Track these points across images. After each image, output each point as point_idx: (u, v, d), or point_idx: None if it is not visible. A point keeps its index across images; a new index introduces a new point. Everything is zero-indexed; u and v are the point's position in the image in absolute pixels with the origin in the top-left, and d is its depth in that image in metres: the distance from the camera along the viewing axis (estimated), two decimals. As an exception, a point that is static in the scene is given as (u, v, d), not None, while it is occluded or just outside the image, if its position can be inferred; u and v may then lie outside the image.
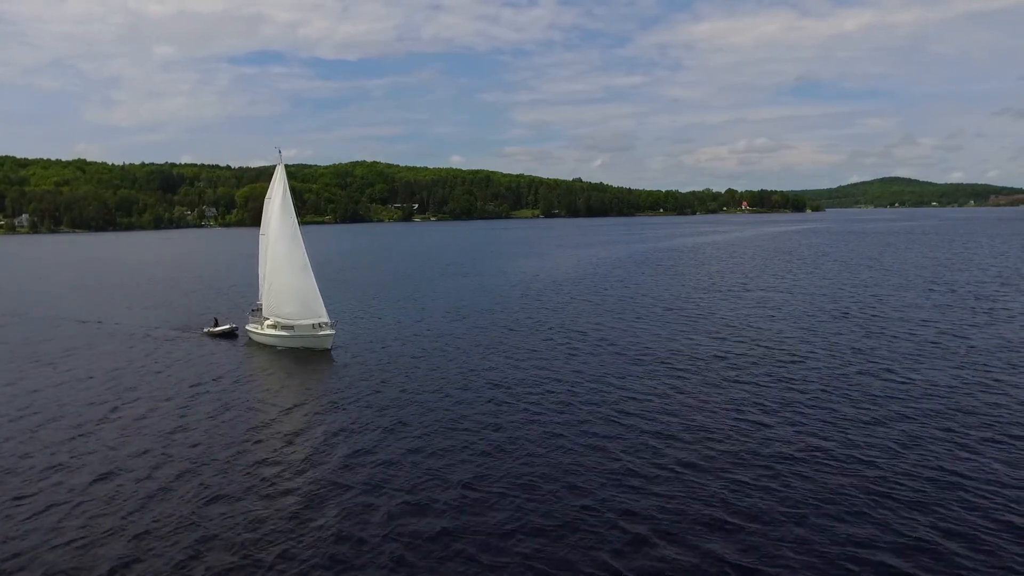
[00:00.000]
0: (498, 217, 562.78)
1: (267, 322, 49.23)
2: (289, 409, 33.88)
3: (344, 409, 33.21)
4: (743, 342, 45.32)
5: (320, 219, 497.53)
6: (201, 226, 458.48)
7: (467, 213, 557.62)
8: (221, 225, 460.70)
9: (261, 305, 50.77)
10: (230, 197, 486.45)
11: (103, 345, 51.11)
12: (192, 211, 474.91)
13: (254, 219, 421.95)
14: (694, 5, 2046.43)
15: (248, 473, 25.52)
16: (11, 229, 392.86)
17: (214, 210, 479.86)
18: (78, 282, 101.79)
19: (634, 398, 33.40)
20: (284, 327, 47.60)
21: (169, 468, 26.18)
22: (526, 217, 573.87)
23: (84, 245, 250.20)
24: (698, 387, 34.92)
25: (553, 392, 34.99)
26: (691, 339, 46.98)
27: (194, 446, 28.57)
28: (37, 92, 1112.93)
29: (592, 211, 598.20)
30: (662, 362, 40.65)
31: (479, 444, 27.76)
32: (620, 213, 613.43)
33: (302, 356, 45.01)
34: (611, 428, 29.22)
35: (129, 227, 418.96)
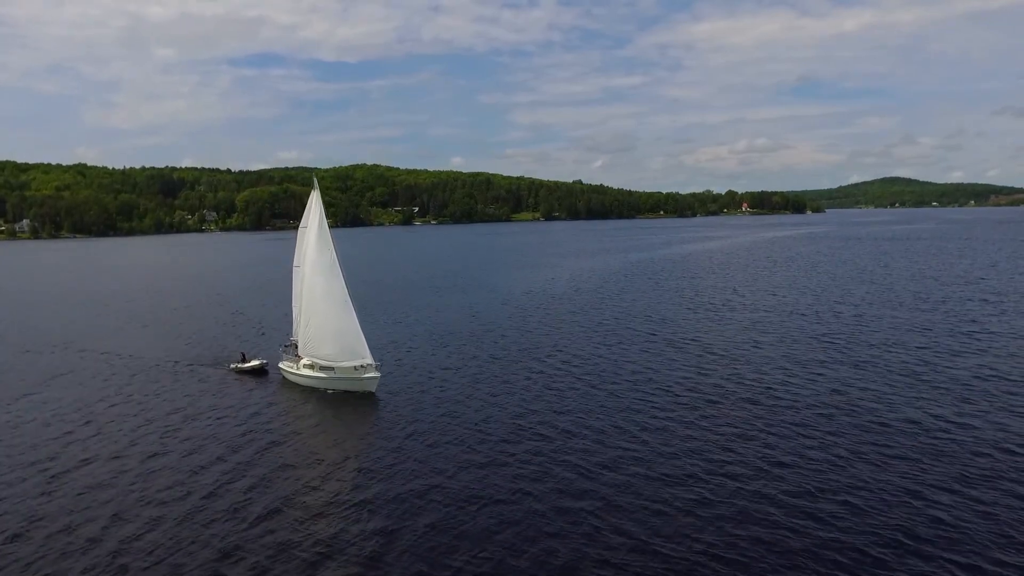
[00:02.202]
0: (498, 220, 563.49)
1: (303, 361, 45.38)
2: (336, 465, 31.65)
3: (395, 465, 30.95)
4: (720, 372, 45.99)
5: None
6: (202, 230, 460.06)
7: (467, 216, 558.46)
8: (222, 229, 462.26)
9: (295, 342, 47.17)
10: (230, 201, 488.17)
11: (121, 382, 47.91)
12: (193, 215, 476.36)
13: (254, 223, 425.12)
14: (694, 5, 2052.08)
15: (291, 542, 24.10)
16: (12, 235, 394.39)
17: (215, 214, 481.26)
18: (85, 299, 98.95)
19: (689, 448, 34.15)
20: (323, 367, 43.89)
21: (203, 521, 25.87)
22: (527, 220, 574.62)
23: (87, 252, 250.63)
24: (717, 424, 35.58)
25: (603, 446, 32.69)
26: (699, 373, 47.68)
27: (233, 505, 27.39)
28: (36, 95, 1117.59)
29: (593, 213, 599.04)
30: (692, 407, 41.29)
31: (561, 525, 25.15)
32: (620, 215, 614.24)
33: (343, 399, 41.99)
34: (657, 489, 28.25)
35: (130, 232, 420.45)
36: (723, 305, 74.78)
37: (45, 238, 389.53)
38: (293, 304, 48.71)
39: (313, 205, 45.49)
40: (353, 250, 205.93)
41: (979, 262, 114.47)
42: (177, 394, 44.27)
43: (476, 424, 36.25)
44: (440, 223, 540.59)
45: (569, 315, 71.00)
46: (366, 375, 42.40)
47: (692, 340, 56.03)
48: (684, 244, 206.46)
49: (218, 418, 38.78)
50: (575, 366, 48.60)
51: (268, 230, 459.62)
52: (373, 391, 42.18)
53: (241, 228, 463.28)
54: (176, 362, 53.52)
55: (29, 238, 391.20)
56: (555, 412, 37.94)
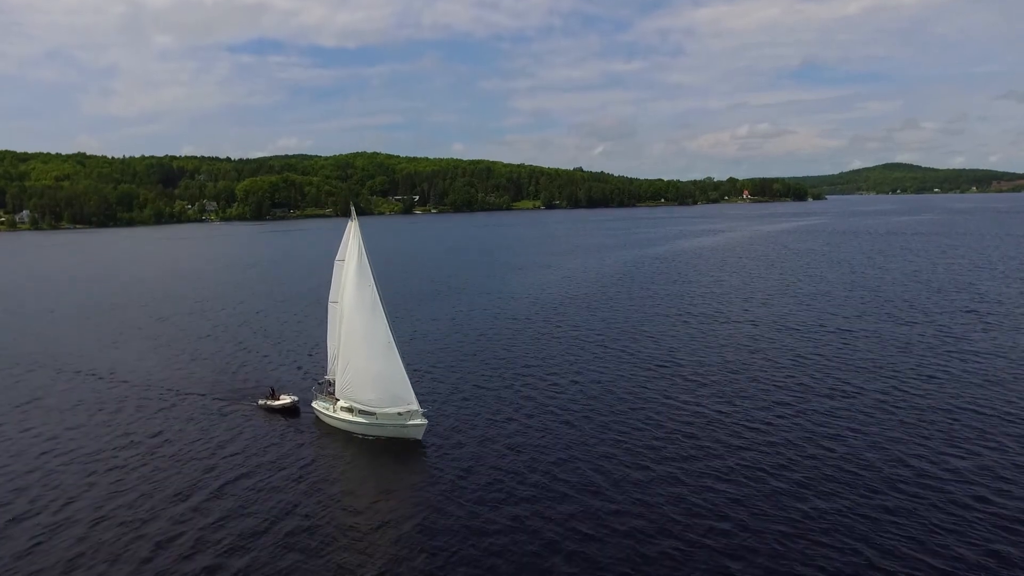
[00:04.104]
0: (499, 209, 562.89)
1: (340, 403, 42.44)
2: (383, 524, 30.12)
3: (448, 528, 29.52)
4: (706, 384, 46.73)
5: (321, 212, 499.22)
6: (202, 220, 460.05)
7: (468, 205, 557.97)
8: (222, 219, 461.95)
9: (330, 381, 44.49)
10: (230, 191, 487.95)
11: (141, 416, 45.59)
12: (193, 205, 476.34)
13: (255, 213, 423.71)
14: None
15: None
16: (12, 225, 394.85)
17: (215, 204, 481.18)
18: (92, 309, 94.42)
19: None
20: (363, 412, 41.00)
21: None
22: (527, 209, 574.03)
23: (88, 246, 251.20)
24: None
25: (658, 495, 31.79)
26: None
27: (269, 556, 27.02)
28: (34, 84, 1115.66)
29: (593, 202, 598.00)
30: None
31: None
32: (621, 204, 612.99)
33: (386, 446, 39.40)
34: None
35: (130, 222, 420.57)
36: (716, 317, 75.35)
37: (45, 229, 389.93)
38: (328, 340, 45.65)
39: (351, 236, 42.17)
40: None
41: (973, 261, 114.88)
42: (203, 434, 41.89)
43: (526, 471, 34.97)
44: (441, 212, 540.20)
45: (577, 326, 71.56)
46: (412, 422, 39.30)
47: (707, 367, 56.63)
48: (681, 239, 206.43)
49: (251, 465, 36.67)
50: (591, 393, 48.39)
51: (268, 220, 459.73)
52: (419, 439, 39.26)
53: (242, 218, 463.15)
54: (200, 395, 50.22)
55: (29, 229, 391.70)
56: (626, 466, 35.46)
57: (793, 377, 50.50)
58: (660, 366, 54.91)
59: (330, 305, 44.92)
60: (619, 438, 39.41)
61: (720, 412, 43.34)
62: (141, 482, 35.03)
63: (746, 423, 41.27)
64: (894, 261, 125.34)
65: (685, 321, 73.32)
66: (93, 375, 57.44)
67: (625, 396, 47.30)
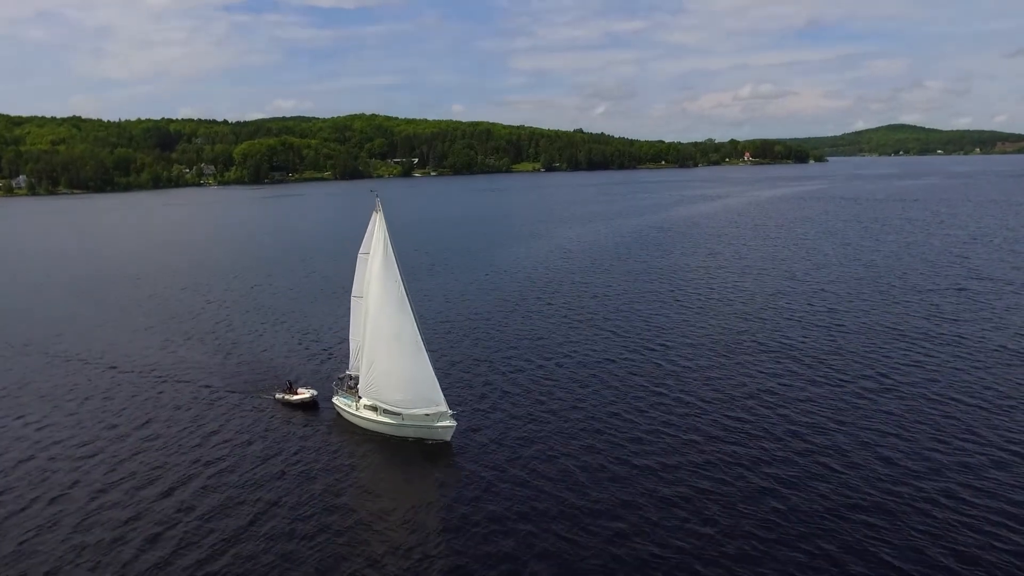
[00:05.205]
0: (498, 171, 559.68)
1: (363, 401, 41.07)
2: (410, 530, 29.79)
3: (479, 532, 29.23)
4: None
5: (319, 175, 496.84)
6: (200, 184, 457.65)
7: (467, 167, 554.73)
8: (220, 183, 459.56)
9: (351, 376, 43.29)
10: (228, 154, 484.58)
11: (151, 408, 44.69)
12: (190, 169, 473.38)
13: (253, 177, 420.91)
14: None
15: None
16: (9, 191, 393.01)
17: (212, 168, 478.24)
18: (91, 283, 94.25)
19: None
20: (388, 411, 39.64)
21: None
22: (527, 171, 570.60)
23: (87, 213, 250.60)
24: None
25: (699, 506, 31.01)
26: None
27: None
28: (25, 43, 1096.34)
29: (593, 164, 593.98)
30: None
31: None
32: (621, 166, 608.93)
33: (412, 446, 38.32)
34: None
35: (127, 187, 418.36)
36: (704, 293, 76.12)
37: (42, 194, 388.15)
38: (351, 335, 44.05)
39: (376, 228, 40.49)
40: (359, 215, 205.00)
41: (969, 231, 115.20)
42: (218, 428, 40.90)
43: (557, 469, 34.68)
44: (440, 175, 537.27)
45: (591, 311, 72.26)
46: (440, 423, 38.03)
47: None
48: (679, 207, 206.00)
49: (268, 465, 35.99)
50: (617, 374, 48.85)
51: (267, 183, 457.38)
52: (448, 440, 38.11)
53: (240, 182, 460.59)
54: (209, 387, 48.82)
55: (26, 194, 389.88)
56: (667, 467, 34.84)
57: (783, 363, 51.41)
58: (649, 348, 55.82)
59: (353, 299, 43.28)
60: (662, 443, 38.63)
61: (706, 401, 44.23)
62: (151, 478, 34.96)
63: (729, 416, 42.18)
64: (890, 231, 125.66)
65: (677, 300, 74.07)
66: (83, 361, 56.85)
67: (661, 399, 47.36)
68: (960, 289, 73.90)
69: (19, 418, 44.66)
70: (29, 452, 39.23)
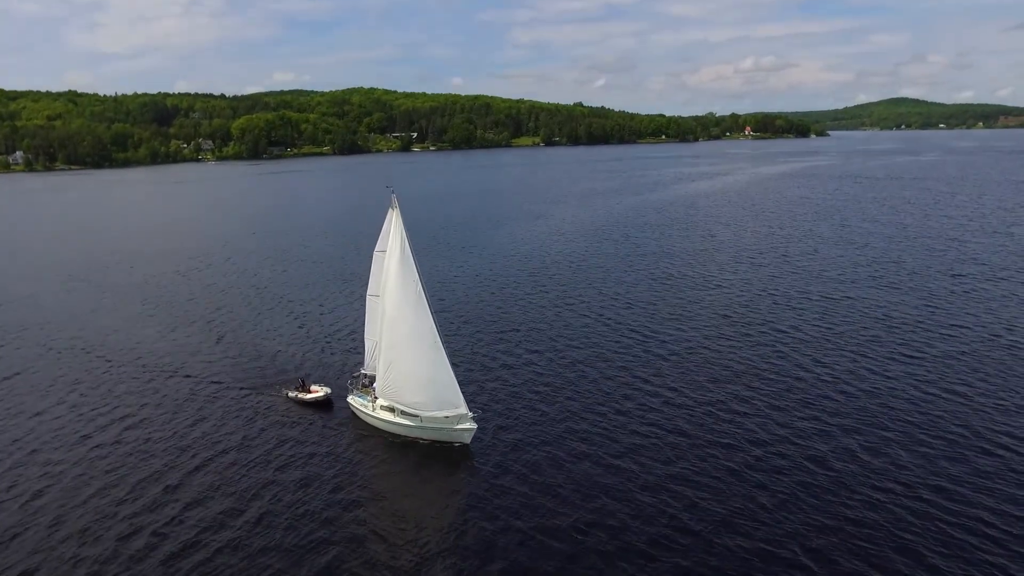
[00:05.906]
0: (498, 146, 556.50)
1: (380, 402, 40.50)
2: (428, 534, 29.59)
3: (501, 540, 28.90)
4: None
5: (318, 150, 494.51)
6: (198, 159, 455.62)
7: (467, 142, 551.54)
8: (218, 159, 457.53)
9: (366, 375, 42.68)
10: (226, 129, 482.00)
11: (154, 403, 44.29)
12: (188, 144, 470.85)
13: (251, 152, 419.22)
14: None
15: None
16: (6, 167, 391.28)
17: (210, 143, 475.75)
18: (97, 271, 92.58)
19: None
20: (406, 412, 38.99)
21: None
22: (526, 146, 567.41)
23: (86, 190, 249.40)
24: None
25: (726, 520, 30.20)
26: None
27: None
28: (18, 17, 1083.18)
29: (593, 138, 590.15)
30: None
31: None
32: (621, 140, 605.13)
33: (431, 448, 37.84)
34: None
35: (125, 163, 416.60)
36: (701, 281, 76.70)
37: (39, 170, 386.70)
38: (366, 334, 43.28)
39: (393, 226, 39.58)
40: (360, 196, 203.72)
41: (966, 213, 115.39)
42: (232, 430, 40.18)
43: (575, 471, 34.43)
44: (440, 149, 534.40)
45: (601, 302, 72.72)
46: (459, 426, 37.55)
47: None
48: (678, 184, 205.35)
49: (286, 466, 35.55)
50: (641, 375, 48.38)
51: (265, 159, 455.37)
52: (467, 442, 37.63)
53: (238, 157, 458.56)
54: (218, 383, 47.83)
55: (23, 170, 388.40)
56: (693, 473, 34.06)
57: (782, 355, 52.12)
58: (642, 339, 56.49)
59: (368, 298, 42.50)
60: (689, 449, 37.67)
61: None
62: (158, 476, 35.09)
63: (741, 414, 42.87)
64: (887, 212, 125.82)
65: (668, 286, 74.65)
66: (87, 352, 56.66)
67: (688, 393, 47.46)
68: (955, 275, 74.50)
69: (35, 415, 45.04)
70: (34, 446, 39.68)
